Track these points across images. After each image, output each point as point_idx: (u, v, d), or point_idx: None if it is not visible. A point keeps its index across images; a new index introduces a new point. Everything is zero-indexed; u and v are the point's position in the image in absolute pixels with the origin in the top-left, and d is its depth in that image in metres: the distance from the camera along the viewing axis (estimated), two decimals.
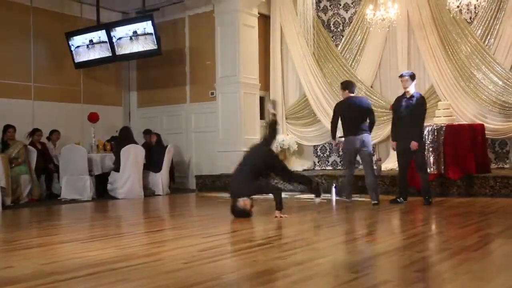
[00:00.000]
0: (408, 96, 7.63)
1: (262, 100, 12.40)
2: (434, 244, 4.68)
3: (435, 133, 8.61)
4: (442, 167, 8.55)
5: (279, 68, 12.34)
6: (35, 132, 10.36)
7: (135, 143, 10.38)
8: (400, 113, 7.63)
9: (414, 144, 7.35)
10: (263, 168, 6.59)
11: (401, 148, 7.57)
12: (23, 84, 11.16)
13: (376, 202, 7.55)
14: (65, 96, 11.86)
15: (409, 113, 7.47)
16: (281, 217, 6.23)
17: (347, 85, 8.14)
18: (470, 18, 10.03)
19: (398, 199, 7.66)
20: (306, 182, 7.52)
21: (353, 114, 7.83)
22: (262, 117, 12.34)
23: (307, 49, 11.83)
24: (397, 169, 8.13)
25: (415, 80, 7.74)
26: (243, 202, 6.20)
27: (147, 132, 11.57)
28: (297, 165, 11.36)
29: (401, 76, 7.80)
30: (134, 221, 7.16)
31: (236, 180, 6.50)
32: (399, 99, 7.81)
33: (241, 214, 6.21)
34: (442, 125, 8.75)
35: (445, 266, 3.63)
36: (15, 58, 11.04)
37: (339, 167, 11.74)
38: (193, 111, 12.38)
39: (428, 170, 8.23)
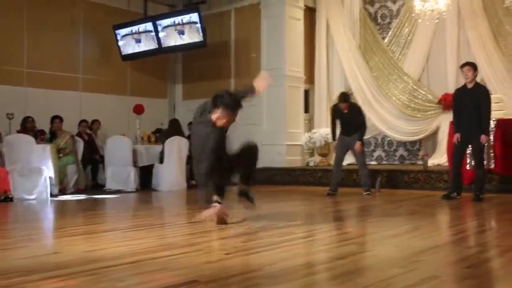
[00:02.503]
0: (470, 87, 7.35)
1: (307, 93, 12.30)
2: (485, 241, 4.50)
3: None
4: (493, 162, 8.27)
5: (324, 61, 12.19)
6: (81, 123, 10.56)
7: (183, 135, 10.43)
8: (463, 105, 7.35)
9: (484, 138, 7.13)
10: None
11: (462, 142, 7.33)
12: (71, 75, 11.40)
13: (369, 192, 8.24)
14: (111, 88, 12.05)
15: (474, 106, 7.20)
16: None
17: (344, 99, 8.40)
18: None
19: (451, 194, 7.42)
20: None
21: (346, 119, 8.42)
22: (306, 110, 12.25)
23: (353, 42, 11.66)
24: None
25: (477, 71, 7.45)
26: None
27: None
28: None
29: (463, 66, 7.49)
30: (177, 212, 7.19)
31: None
32: (460, 90, 7.53)
33: None
34: (493, 119, 8.45)
35: (497, 263, 3.48)
36: (64, 50, 11.28)
37: (384, 162, 11.55)
38: None
39: None
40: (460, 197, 7.41)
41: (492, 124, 8.31)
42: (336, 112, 8.56)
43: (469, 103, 7.24)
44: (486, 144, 7.42)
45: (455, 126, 7.49)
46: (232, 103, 4.74)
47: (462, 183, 7.61)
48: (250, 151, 5.09)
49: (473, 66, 7.36)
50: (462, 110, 7.33)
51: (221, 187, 4.91)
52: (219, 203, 4.83)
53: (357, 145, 8.25)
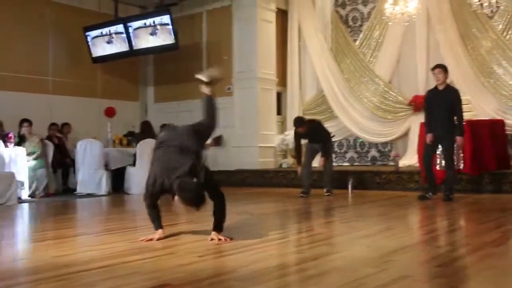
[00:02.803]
0: (442, 89, 7.45)
1: (279, 95, 12.34)
2: (455, 240, 4.57)
3: None
4: (462, 163, 8.41)
5: (296, 64, 12.25)
6: (51, 126, 10.41)
7: (155, 137, 10.34)
8: (434, 106, 7.44)
9: (460, 140, 7.23)
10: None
11: (433, 142, 7.42)
12: (41, 78, 11.22)
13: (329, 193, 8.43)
14: (82, 90, 11.89)
15: (445, 107, 7.29)
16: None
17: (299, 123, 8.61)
18: (491, 12, 9.84)
19: (427, 195, 7.50)
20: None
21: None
22: (279, 112, 12.29)
23: (324, 44, 11.74)
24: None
25: (448, 73, 7.54)
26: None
27: (164, 127, 11.54)
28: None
29: (434, 68, 7.59)
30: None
31: None
32: (432, 92, 7.62)
33: None
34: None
35: (466, 261, 3.54)
36: (33, 52, 11.09)
37: (356, 163, 11.65)
38: None
39: None
40: (436, 196, 7.49)
41: None
42: (298, 135, 8.67)
43: (440, 105, 7.34)
44: (455, 145, 7.53)
45: (427, 126, 7.59)
46: (195, 203, 4.22)
47: (435, 182, 7.72)
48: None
49: (443, 69, 7.47)
50: (433, 111, 7.43)
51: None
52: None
53: (321, 161, 8.51)
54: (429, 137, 7.47)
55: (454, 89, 7.59)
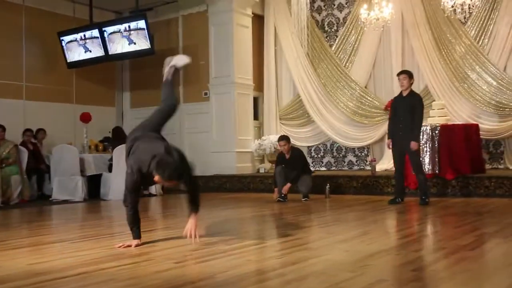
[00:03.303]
0: (405, 95, 7.55)
1: (256, 100, 12.36)
2: (430, 244, 4.62)
3: (430, 133, 8.58)
4: (437, 167, 8.51)
5: (273, 69, 12.30)
6: (25, 132, 10.27)
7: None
8: (398, 112, 7.54)
9: (414, 145, 7.29)
10: None
11: (399, 148, 7.51)
12: (14, 83, 11.06)
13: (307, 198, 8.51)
14: (57, 96, 11.76)
15: (408, 113, 7.39)
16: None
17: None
18: (464, 18, 10.01)
19: (396, 200, 7.59)
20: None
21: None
22: (256, 117, 12.30)
23: (301, 49, 11.79)
24: (392, 169, 8.10)
25: (413, 79, 7.65)
26: None
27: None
28: None
29: (399, 74, 7.70)
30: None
31: None
32: (397, 98, 7.74)
33: None
34: (437, 125, 8.72)
35: (441, 265, 3.57)
36: (6, 57, 10.92)
37: (333, 168, 11.71)
38: (186, 111, 12.28)
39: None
40: (403, 202, 7.58)
41: (436, 130, 8.57)
42: (279, 158, 8.81)
43: (404, 111, 7.43)
44: (420, 149, 7.69)
45: (388, 132, 7.75)
46: (177, 173, 4.22)
47: (404, 188, 7.81)
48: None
49: (408, 74, 7.57)
50: (398, 117, 7.52)
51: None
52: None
53: (286, 187, 8.43)
54: (387, 143, 7.79)
55: (417, 95, 7.68)
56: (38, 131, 10.80)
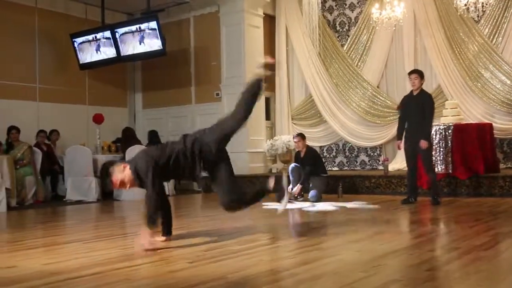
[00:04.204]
0: (416, 94, 7.53)
1: (268, 100, 12.35)
2: (444, 244, 4.59)
3: (443, 133, 8.53)
4: (450, 167, 8.46)
5: (284, 69, 12.29)
6: (39, 133, 10.36)
7: (139, 142, 10.34)
8: (409, 112, 7.51)
9: (423, 143, 7.26)
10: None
11: (411, 148, 7.48)
12: (28, 85, 11.15)
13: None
14: (70, 97, 11.84)
15: (419, 112, 7.36)
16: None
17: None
18: (478, 16, 9.96)
19: (409, 199, 7.56)
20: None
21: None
22: (268, 117, 12.30)
23: (312, 49, 11.78)
24: (405, 169, 8.06)
25: (424, 79, 7.63)
26: None
27: (152, 133, 11.51)
28: None
29: (411, 73, 7.67)
30: (139, 222, 7.07)
31: None
32: (407, 97, 7.72)
33: None
34: (450, 124, 8.67)
35: (455, 265, 3.55)
36: (20, 59, 11.02)
37: (346, 168, 11.67)
38: (199, 112, 12.32)
39: (436, 170, 8.16)
40: (416, 201, 7.55)
41: (449, 129, 8.53)
42: (295, 156, 8.94)
43: (414, 110, 7.40)
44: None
45: (398, 132, 7.72)
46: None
47: (417, 188, 7.77)
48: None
49: (420, 74, 7.54)
50: (409, 116, 7.48)
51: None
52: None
53: (298, 188, 8.43)
54: (397, 144, 7.79)
55: (427, 94, 7.64)
56: (51, 132, 10.88)
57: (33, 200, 9.31)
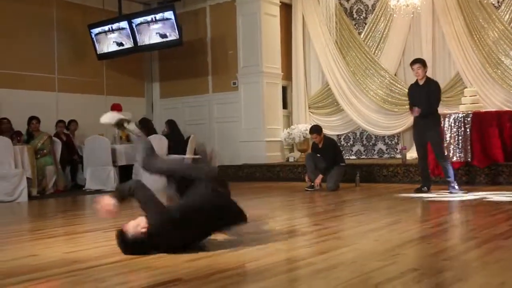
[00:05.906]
0: (422, 84, 7.45)
1: (284, 89, 12.34)
2: (462, 233, 4.58)
3: (462, 121, 8.46)
4: (469, 155, 8.39)
5: (301, 57, 12.24)
6: (58, 123, 10.48)
7: (156, 133, 10.42)
8: (415, 101, 7.44)
9: (416, 110, 7.21)
10: None
11: (419, 136, 7.44)
12: (47, 76, 11.27)
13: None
14: (88, 87, 11.95)
15: (426, 101, 7.29)
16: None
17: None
18: (498, 2, 9.82)
19: (422, 188, 7.53)
20: None
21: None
22: (285, 106, 12.29)
23: (329, 37, 11.72)
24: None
25: (427, 67, 7.55)
26: None
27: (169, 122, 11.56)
28: None
29: (413, 63, 7.53)
30: None
31: None
32: (413, 86, 7.63)
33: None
34: (469, 112, 8.59)
35: (474, 254, 3.54)
36: (39, 50, 11.13)
37: (363, 156, 11.64)
38: (216, 101, 12.36)
39: (455, 159, 8.12)
40: (429, 190, 7.49)
41: (468, 117, 8.45)
42: (313, 146, 8.93)
43: (422, 98, 7.33)
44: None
45: (410, 107, 7.64)
46: None
47: (429, 177, 7.71)
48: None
49: (422, 63, 7.45)
50: (416, 106, 7.41)
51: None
52: None
53: (319, 178, 8.39)
54: (412, 110, 7.48)
55: (434, 81, 7.59)
56: (70, 122, 10.99)
57: (54, 190, 9.44)
